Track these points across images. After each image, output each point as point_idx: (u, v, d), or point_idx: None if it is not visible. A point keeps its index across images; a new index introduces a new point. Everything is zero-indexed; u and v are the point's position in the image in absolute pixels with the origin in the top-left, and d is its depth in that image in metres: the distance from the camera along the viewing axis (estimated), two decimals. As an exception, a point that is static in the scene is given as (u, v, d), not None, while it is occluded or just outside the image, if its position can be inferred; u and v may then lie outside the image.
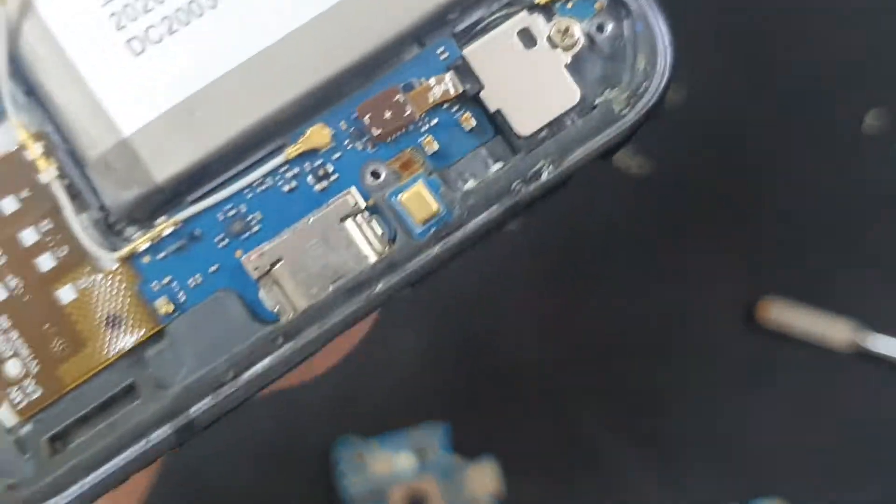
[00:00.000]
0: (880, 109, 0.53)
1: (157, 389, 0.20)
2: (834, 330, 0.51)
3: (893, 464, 0.50)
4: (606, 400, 0.50)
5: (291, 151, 0.21)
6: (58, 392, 0.20)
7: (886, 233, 0.52)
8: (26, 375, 0.20)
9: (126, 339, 0.20)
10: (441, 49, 0.22)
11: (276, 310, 0.21)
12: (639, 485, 0.50)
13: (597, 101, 0.22)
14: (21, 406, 0.20)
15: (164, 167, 0.20)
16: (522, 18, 0.21)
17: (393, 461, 0.49)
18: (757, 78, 0.52)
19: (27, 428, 0.20)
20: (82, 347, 0.20)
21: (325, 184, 0.21)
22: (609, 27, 0.22)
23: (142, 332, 0.20)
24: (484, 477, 0.49)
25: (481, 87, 0.21)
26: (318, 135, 0.21)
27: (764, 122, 0.53)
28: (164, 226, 0.21)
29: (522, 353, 0.51)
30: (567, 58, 0.21)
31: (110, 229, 0.21)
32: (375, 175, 0.21)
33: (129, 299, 0.21)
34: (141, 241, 0.21)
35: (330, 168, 0.21)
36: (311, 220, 0.21)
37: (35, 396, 0.20)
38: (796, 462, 0.50)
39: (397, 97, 0.21)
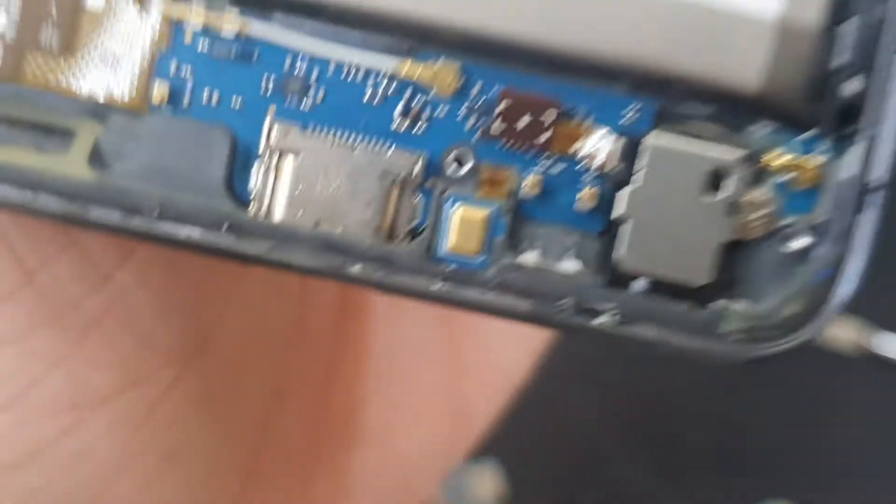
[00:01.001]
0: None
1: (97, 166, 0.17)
2: (838, 330, 0.48)
3: (896, 464, 0.50)
4: (608, 401, 0.49)
5: (405, 68, 0.17)
6: (11, 79, 0.17)
7: (890, 234, 0.50)
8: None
9: (102, 86, 0.17)
10: (636, 108, 0.17)
11: (252, 194, 0.17)
12: (642, 487, 0.49)
13: (712, 305, 0.17)
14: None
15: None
16: (726, 160, 0.17)
17: (394, 463, 0.48)
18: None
19: None
20: (65, 54, 0.17)
21: (405, 125, 0.17)
22: (801, 240, 0.17)
23: (123, 98, 0.17)
24: (486, 479, 0.47)
25: (626, 183, 0.17)
26: (446, 74, 0.17)
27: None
28: (229, 17, 0.17)
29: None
30: (729, 235, 0.17)
31: None
32: (459, 161, 0.17)
33: (140, 53, 0.17)
34: (197, 13, 0.17)
35: (426, 115, 0.17)
36: (359, 148, 0.17)
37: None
38: (801, 463, 0.49)
39: (548, 113, 0.17)
